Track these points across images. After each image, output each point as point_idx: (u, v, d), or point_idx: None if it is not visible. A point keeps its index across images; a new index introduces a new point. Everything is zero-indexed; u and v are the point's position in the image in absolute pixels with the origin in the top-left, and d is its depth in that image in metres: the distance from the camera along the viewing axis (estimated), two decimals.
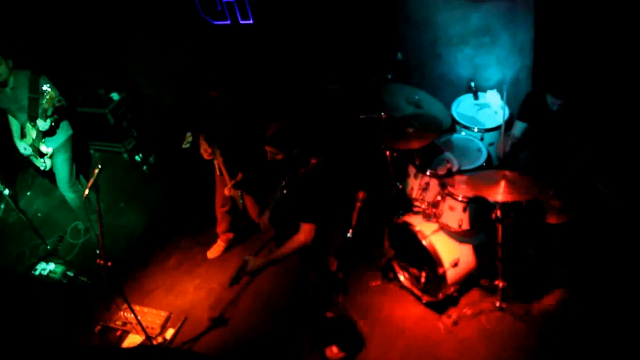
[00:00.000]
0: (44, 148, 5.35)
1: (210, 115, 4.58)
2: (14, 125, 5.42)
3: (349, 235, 3.12)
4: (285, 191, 3.58)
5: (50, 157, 5.45)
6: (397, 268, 4.59)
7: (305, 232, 3.37)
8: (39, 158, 5.44)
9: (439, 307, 4.35)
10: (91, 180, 3.81)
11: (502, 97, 4.51)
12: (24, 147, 5.42)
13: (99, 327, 4.74)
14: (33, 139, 5.29)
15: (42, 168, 5.54)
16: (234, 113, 4.48)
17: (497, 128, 4.71)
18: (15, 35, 6.22)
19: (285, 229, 3.51)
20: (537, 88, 4.29)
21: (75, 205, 5.76)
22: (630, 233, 4.33)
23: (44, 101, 5.03)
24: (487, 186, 3.74)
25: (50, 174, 5.71)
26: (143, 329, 4.16)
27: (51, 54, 6.32)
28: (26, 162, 5.78)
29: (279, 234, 3.63)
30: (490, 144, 4.70)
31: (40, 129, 5.19)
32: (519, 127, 4.50)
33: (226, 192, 4.74)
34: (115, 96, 6.60)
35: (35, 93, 5.15)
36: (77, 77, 6.58)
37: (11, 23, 6.24)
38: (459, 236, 4.22)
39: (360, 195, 3.11)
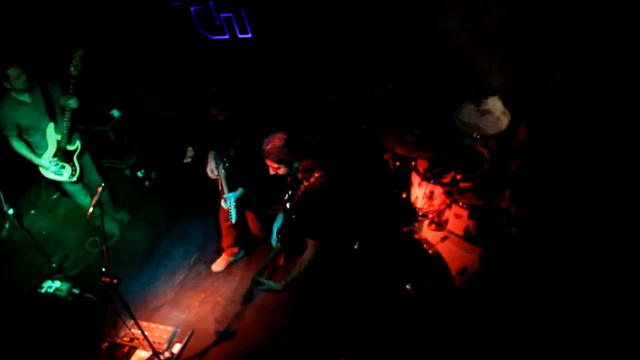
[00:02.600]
0: (70, 147, 5.28)
1: (221, 131, 4.58)
2: (36, 145, 5.26)
3: (355, 247, 3.10)
4: (288, 205, 3.53)
5: (78, 157, 5.39)
6: (402, 277, 4.57)
7: (313, 248, 3.33)
8: (67, 166, 5.31)
9: (445, 317, 4.33)
10: (95, 198, 3.80)
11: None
12: (48, 161, 5.22)
13: (106, 344, 4.72)
14: (58, 141, 5.18)
15: (71, 179, 5.40)
16: (244, 128, 4.48)
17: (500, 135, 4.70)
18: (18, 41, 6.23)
19: (292, 243, 3.48)
20: (539, 93, 4.29)
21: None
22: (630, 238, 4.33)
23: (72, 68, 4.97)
24: (493, 193, 3.74)
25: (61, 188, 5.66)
26: (150, 344, 4.16)
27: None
28: (29, 180, 5.75)
29: (286, 248, 3.61)
30: None
31: (73, 105, 5.08)
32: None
33: (222, 204, 4.75)
34: (115, 113, 6.61)
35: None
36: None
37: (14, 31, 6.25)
38: (465, 244, 4.21)
39: (365, 211, 3.10)
